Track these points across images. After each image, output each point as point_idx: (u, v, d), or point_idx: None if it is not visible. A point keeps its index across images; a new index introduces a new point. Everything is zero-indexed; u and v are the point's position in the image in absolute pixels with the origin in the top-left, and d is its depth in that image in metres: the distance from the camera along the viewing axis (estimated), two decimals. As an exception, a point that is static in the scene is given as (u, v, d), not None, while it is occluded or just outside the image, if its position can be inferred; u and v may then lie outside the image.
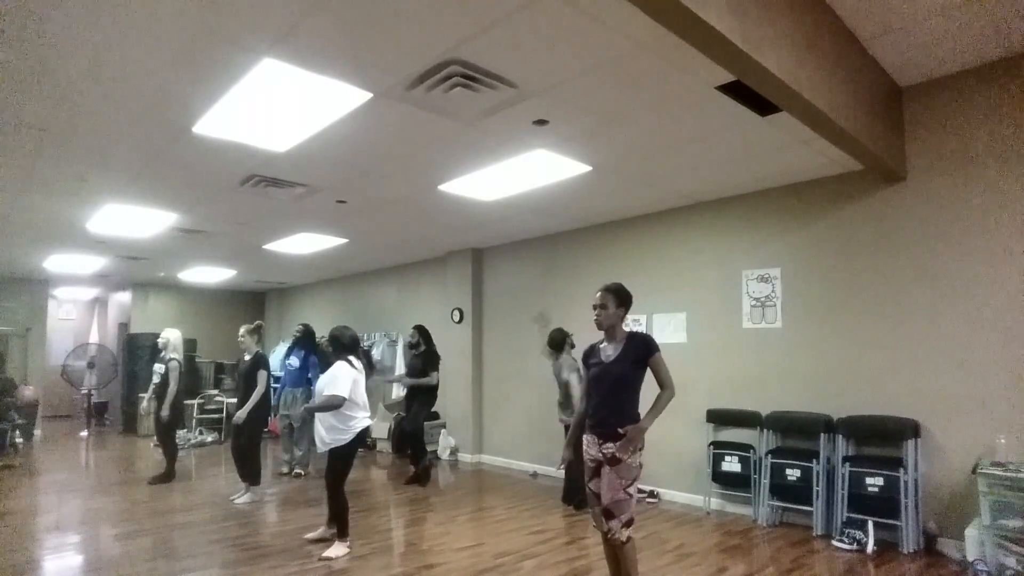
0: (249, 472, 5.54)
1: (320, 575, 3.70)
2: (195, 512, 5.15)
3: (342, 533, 4.14)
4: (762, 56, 2.59)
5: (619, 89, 3.38)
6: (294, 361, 6.82)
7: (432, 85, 3.27)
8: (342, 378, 4.08)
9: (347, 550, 4.08)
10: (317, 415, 4.14)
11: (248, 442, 5.53)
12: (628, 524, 2.90)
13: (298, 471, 6.68)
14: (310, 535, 4.36)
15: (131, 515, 5.05)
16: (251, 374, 5.52)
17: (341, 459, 4.13)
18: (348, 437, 4.08)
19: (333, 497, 4.16)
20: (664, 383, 2.96)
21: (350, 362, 4.20)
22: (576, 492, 5.13)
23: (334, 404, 4.02)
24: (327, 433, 4.09)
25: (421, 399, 6.39)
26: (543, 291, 7.02)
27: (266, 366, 5.61)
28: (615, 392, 2.98)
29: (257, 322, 5.90)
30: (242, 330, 5.70)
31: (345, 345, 4.26)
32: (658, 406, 2.91)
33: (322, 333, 7.73)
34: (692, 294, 5.59)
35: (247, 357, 5.62)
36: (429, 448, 7.17)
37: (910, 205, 4.24)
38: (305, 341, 6.89)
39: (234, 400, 5.86)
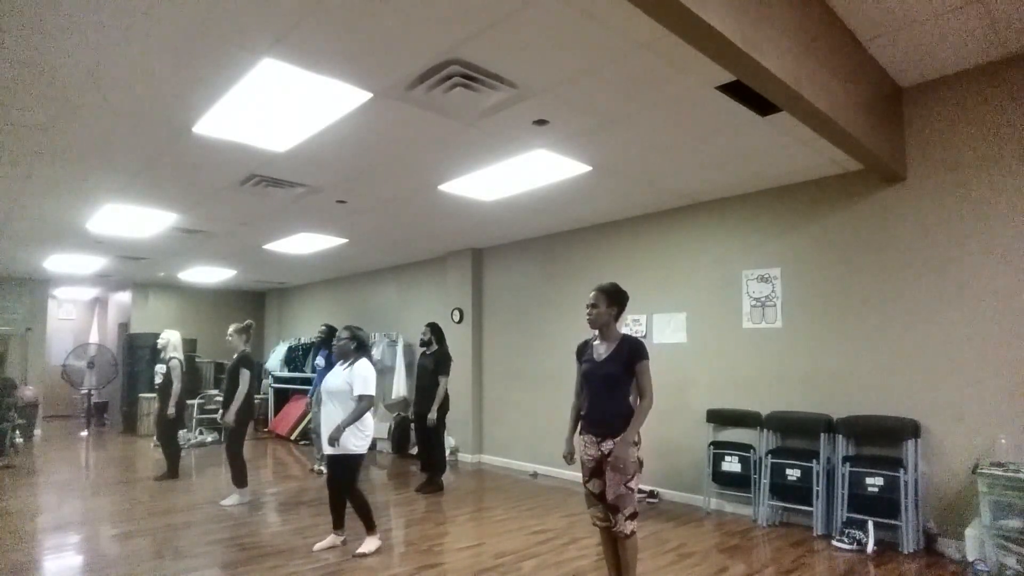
0: (233, 474, 5.48)
1: (318, 575, 3.71)
2: (195, 512, 5.15)
3: (370, 528, 4.15)
4: (762, 56, 2.59)
5: (619, 89, 3.38)
6: (320, 361, 7.08)
7: (432, 85, 3.27)
8: (371, 378, 4.06)
9: (379, 542, 4.13)
10: (328, 412, 4.07)
11: (231, 443, 5.48)
12: (632, 517, 2.96)
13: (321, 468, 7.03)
14: (319, 545, 4.19)
15: (131, 515, 5.05)
16: (234, 373, 5.46)
17: (354, 462, 4.07)
18: (365, 444, 4.04)
19: (351, 499, 4.11)
20: (643, 392, 2.99)
21: (371, 358, 4.23)
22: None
23: (367, 407, 3.98)
24: (352, 436, 3.97)
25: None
26: (543, 291, 7.02)
27: (248, 365, 5.47)
28: (606, 391, 3.03)
29: (247, 321, 5.79)
30: (231, 328, 5.66)
31: (362, 344, 4.23)
32: (639, 418, 2.96)
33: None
34: (692, 294, 5.58)
35: (235, 356, 5.58)
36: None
37: (910, 205, 4.24)
38: (329, 341, 7.01)
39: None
